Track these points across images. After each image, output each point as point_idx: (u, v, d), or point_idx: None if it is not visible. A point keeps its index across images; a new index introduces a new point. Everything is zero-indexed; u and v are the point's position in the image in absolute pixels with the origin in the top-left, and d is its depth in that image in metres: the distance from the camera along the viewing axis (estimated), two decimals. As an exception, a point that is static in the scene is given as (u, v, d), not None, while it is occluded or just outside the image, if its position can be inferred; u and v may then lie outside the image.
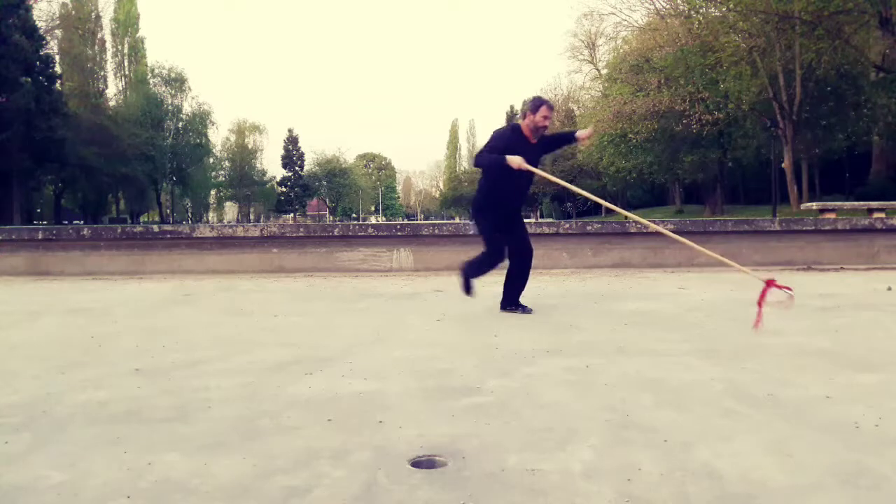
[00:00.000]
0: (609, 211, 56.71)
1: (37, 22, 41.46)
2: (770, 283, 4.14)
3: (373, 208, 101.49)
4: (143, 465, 2.02)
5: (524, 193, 5.05)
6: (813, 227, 8.68)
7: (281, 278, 7.99)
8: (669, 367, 3.19)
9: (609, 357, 3.43)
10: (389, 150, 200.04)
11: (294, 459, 2.05)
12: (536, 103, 4.79)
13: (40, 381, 3.06)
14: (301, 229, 8.97)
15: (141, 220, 65.32)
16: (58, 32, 48.11)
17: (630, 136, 34.21)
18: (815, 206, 12.03)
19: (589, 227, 8.79)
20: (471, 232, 8.64)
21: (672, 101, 31.68)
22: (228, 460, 2.06)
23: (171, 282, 7.69)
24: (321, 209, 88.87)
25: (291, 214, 79.03)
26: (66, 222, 47.75)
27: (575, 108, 52.62)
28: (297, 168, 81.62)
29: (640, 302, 5.50)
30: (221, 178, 72.94)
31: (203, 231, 8.77)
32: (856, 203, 14.78)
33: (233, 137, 75.14)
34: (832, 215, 10.35)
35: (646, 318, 4.66)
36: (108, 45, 58.27)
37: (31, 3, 40.54)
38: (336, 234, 8.68)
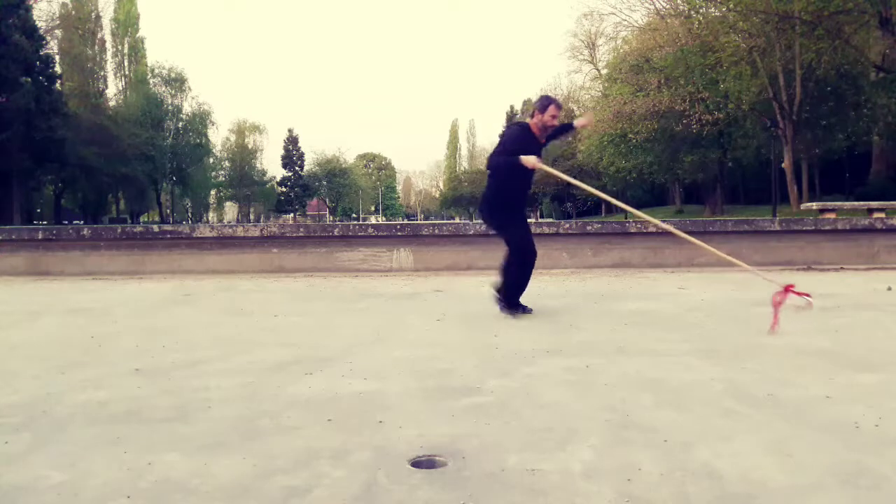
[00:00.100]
0: (610, 210, 56.76)
1: (37, 22, 41.47)
2: (788, 289, 4.05)
3: (373, 208, 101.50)
4: (143, 465, 2.02)
5: (528, 192, 5.09)
6: (813, 227, 8.69)
7: (281, 278, 7.99)
8: (669, 367, 3.19)
9: (609, 357, 3.43)
10: (389, 150, 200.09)
11: (294, 459, 2.05)
12: (545, 102, 4.77)
13: (40, 381, 3.06)
14: (301, 229, 8.97)
15: (141, 220, 65.32)
16: (58, 32, 48.12)
17: (630, 136, 34.21)
18: (815, 206, 12.02)
19: (589, 227, 8.79)
20: (471, 232, 8.64)
21: (672, 101, 31.68)
22: (228, 460, 2.06)
23: (171, 282, 7.69)
24: (321, 209, 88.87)
25: (291, 214, 79.05)
26: (66, 222, 47.74)
27: (575, 108, 52.58)
28: (297, 168, 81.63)
29: (640, 302, 5.50)
30: (221, 178, 72.95)
31: (203, 231, 8.77)
32: (856, 203, 14.78)
33: (233, 137, 75.20)
34: (832, 215, 10.35)
35: (646, 318, 4.66)
36: (108, 45, 58.35)
37: (31, 3, 40.55)
38: (336, 234, 8.68)
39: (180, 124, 58.36)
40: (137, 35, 62.17)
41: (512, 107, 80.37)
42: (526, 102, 71.48)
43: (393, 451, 2.11)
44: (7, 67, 36.16)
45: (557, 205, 65.02)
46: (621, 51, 41.71)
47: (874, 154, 29.24)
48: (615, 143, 36.40)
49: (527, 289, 5.02)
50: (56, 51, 46.52)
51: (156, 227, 9.01)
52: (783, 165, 28.61)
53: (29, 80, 38.28)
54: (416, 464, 2.02)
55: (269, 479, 1.91)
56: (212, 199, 77.69)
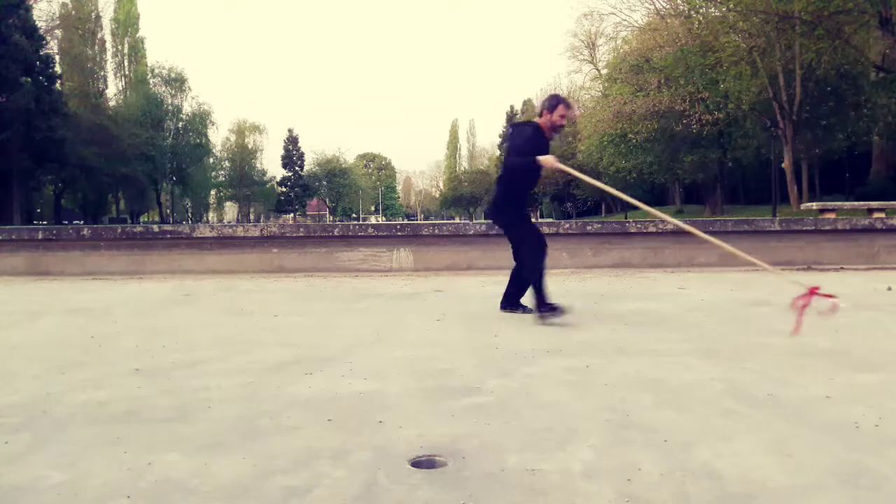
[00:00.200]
0: (610, 210, 56.72)
1: (37, 22, 41.47)
2: (814, 291, 3.82)
3: (373, 208, 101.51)
4: (143, 465, 2.02)
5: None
6: (813, 227, 8.69)
7: (281, 278, 7.99)
8: (669, 367, 3.19)
9: (609, 357, 3.43)
10: (389, 150, 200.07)
11: (294, 459, 2.05)
12: (554, 102, 4.69)
13: (40, 381, 3.06)
14: (301, 229, 8.97)
15: (141, 220, 65.34)
16: (58, 32, 48.13)
17: (630, 136, 34.22)
18: (815, 206, 12.03)
19: (589, 227, 8.79)
20: (471, 232, 8.64)
21: (672, 101, 31.69)
22: (228, 460, 2.06)
23: (171, 282, 7.69)
24: (321, 209, 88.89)
25: (291, 214, 79.06)
26: (66, 222, 47.75)
27: (575, 108, 52.58)
28: (297, 168, 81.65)
29: (640, 302, 5.50)
30: (221, 178, 72.97)
31: (203, 231, 8.77)
32: (856, 203, 14.78)
33: (233, 137, 75.23)
34: (832, 215, 10.36)
35: (646, 318, 4.66)
36: (108, 45, 58.38)
37: (31, 3, 40.55)
38: (336, 234, 8.68)
39: (180, 124, 58.38)
40: (137, 35, 62.23)
41: (512, 107, 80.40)
42: (526, 102, 71.47)
43: (393, 451, 2.11)
44: (7, 67, 36.17)
45: (557, 205, 65.01)
46: (621, 51, 41.73)
47: (874, 154, 29.24)
48: (615, 143, 36.41)
49: (528, 289, 5.02)
50: (56, 51, 46.54)
51: (156, 227, 9.01)
52: (783, 165, 28.61)
53: (29, 80, 38.29)
54: (416, 464, 2.02)
55: (269, 479, 1.91)
56: (212, 199, 77.72)
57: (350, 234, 8.67)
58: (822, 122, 28.24)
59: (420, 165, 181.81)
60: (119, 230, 8.80)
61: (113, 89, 60.23)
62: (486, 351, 3.64)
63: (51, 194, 51.33)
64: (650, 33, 36.00)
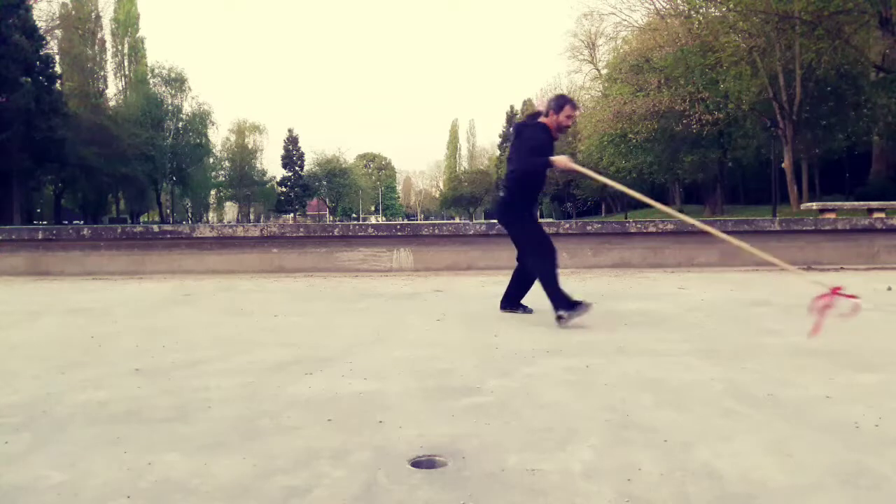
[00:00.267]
0: (610, 210, 56.70)
1: (37, 22, 41.49)
2: (835, 292, 3.66)
3: (373, 208, 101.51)
4: (143, 465, 2.02)
5: None
6: (813, 227, 8.69)
7: (281, 278, 7.99)
8: (669, 367, 3.19)
9: (609, 357, 3.44)
10: (389, 150, 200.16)
11: (294, 459, 2.05)
12: (560, 102, 4.65)
13: (40, 381, 3.06)
14: (301, 229, 8.97)
15: (141, 220, 65.34)
16: (58, 32, 48.14)
17: (630, 136, 34.23)
18: (815, 206, 12.03)
19: (589, 227, 8.79)
20: (471, 232, 8.64)
21: (672, 101, 31.70)
22: (228, 460, 2.06)
23: (171, 282, 7.69)
24: (321, 209, 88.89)
25: (291, 214, 79.07)
26: (66, 222, 47.75)
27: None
28: (297, 168, 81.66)
29: (640, 302, 5.50)
30: (221, 178, 72.99)
31: (203, 231, 8.77)
32: (856, 203, 14.79)
33: (233, 137, 75.24)
34: (832, 215, 10.36)
35: (646, 318, 4.66)
36: (108, 45, 58.40)
37: (31, 3, 40.56)
38: (336, 234, 8.68)
39: (180, 124, 58.40)
40: (137, 35, 62.24)
41: (512, 107, 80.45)
42: (526, 102, 71.45)
43: (393, 451, 2.11)
44: (7, 67, 36.18)
45: (557, 205, 65.03)
46: (621, 51, 41.74)
47: (874, 154, 29.25)
48: (615, 143, 36.42)
49: (529, 289, 5.03)
50: (56, 51, 46.56)
51: (156, 227, 9.01)
52: (783, 165, 28.61)
53: (29, 80, 38.31)
54: (416, 464, 2.02)
55: (269, 479, 1.91)
56: (212, 199, 77.74)
57: (350, 234, 8.67)
58: (822, 122, 28.25)
59: (420, 165, 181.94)
60: (119, 230, 8.80)
61: (113, 89, 60.34)
62: (486, 351, 3.64)
63: (51, 194, 51.33)
64: (650, 33, 36.01)
